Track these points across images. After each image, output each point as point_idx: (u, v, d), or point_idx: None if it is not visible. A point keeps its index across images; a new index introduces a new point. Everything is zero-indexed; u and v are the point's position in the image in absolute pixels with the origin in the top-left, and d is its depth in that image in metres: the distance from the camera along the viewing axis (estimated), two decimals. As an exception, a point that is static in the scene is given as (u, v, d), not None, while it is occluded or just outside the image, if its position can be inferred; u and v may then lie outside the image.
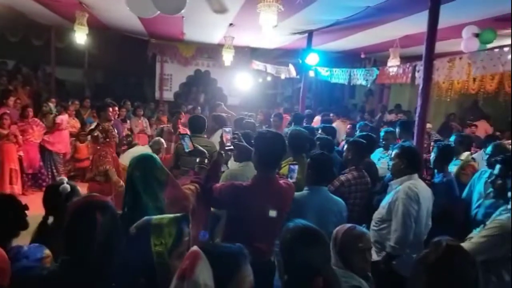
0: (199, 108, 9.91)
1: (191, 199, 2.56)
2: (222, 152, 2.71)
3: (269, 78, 12.54)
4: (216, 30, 7.78)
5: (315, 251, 1.62)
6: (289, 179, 2.76)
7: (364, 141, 3.67)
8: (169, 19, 6.21)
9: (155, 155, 2.36)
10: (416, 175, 3.03)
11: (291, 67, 8.45)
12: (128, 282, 1.45)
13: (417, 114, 3.80)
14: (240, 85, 10.62)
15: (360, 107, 13.28)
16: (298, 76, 8.72)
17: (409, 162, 3.01)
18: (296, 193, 2.80)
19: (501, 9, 4.54)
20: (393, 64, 5.96)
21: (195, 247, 1.23)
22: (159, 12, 4.16)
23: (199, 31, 8.17)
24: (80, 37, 6.63)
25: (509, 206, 2.05)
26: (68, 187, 2.27)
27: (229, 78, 11.11)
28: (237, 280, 1.21)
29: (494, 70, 2.96)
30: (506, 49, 2.84)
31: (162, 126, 6.99)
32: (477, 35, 4.17)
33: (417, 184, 2.95)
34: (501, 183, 2.38)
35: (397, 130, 4.82)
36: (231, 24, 6.80)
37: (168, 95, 11.69)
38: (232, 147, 2.77)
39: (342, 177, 3.42)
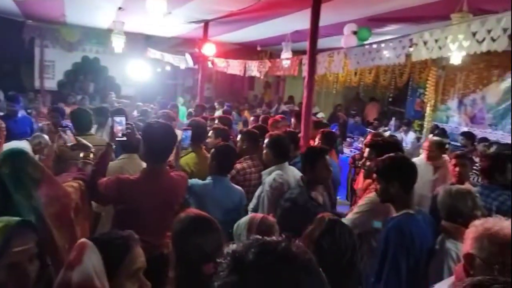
0: (87, 98, 9.15)
1: (73, 197, 2.37)
2: (113, 144, 2.56)
3: (168, 68, 12.14)
4: (103, 14, 7.24)
5: (207, 238, 1.65)
6: (182, 144, 2.76)
7: (257, 131, 3.80)
8: (47, -2, 5.58)
9: (26, 150, 2.12)
10: (285, 164, 3.18)
11: (187, 56, 8.31)
12: None
13: (303, 105, 4.06)
14: (135, 74, 10.08)
15: (259, 98, 13.75)
16: (196, 66, 8.63)
17: (278, 151, 3.16)
18: (199, 183, 2.84)
19: (375, 9, 5.08)
20: (285, 57, 6.25)
21: (82, 239, 1.28)
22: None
23: (84, 13, 7.51)
24: None
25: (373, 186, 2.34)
26: None
27: (122, 66, 10.45)
28: (129, 261, 1.26)
29: (366, 64, 3.31)
30: (374, 45, 3.20)
31: (41, 125, 6.23)
32: (355, 33, 4.61)
33: (284, 174, 3.07)
34: (369, 165, 2.70)
35: (292, 120, 5.10)
36: (120, 8, 6.39)
37: (51, 84, 10.56)
38: (125, 138, 2.64)
39: (238, 166, 3.50)
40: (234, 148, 3.30)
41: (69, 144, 2.81)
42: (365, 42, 4.69)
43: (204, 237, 1.64)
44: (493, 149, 5.34)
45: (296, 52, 6.94)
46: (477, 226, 1.60)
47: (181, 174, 2.60)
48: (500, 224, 1.56)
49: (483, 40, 2.42)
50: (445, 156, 4.11)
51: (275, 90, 13.06)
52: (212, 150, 3.10)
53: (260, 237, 0.85)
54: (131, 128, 2.74)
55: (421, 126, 8.67)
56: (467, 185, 2.96)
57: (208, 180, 2.91)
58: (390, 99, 11.01)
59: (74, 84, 11.11)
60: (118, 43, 7.37)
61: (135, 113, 7.31)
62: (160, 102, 8.87)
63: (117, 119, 2.63)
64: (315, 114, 8.97)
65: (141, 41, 10.23)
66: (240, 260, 0.79)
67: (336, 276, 1.67)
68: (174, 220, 1.77)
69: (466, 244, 1.62)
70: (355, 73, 7.95)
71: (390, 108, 11.64)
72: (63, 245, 2.00)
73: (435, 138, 4.56)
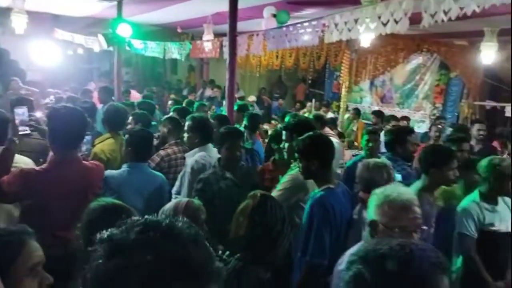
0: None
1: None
2: (15, 138, 2.31)
3: (80, 51, 11.21)
4: (0, -10, 6.43)
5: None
6: (83, 151, 2.60)
7: (177, 117, 3.71)
8: None
9: None
10: (209, 145, 3.13)
11: (100, 37, 7.74)
12: None
13: (226, 87, 4.05)
14: (41, 58, 9.15)
15: (185, 83, 13.41)
16: (111, 49, 8.09)
17: (201, 133, 3.10)
18: (114, 173, 2.68)
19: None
20: (206, 39, 6.14)
21: None
22: None
23: (-24, -11, 6.61)
24: None
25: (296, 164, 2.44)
26: None
27: (26, 49, 9.42)
28: (24, 256, 1.22)
29: (283, 46, 3.40)
30: (291, 28, 3.27)
31: None
32: (274, 16, 4.68)
33: (206, 155, 3.03)
34: (289, 146, 2.81)
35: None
36: (19, -16, 5.73)
37: None
38: (28, 131, 2.42)
39: (162, 152, 3.41)
40: (151, 133, 3.15)
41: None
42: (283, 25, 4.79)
43: (114, 225, 1.57)
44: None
45: (218, 35, 6.87)
46: (378, 194, 1.70)
47: (96, 163, 2.45)
48: (398, 190, 1.69)
49: (388, 22, 2.59)
50: (327, 129, 4.42)
51: (199, 74, 12.81)
52: (126, 135, 2.94)
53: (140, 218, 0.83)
54: (34, 119, 2.52)
55: (339, 107, 9.19)
56: (383, 159, 3.18)
57: (124, 168, 2.76)
58: (309, 82, 11.47)
59: (-32, 69, 9.80)
60: (19, 23, 6.63)
61: (47, 100, 6.71)
62: (73, 88, 8.20)
63: (19, 110, 2.40)
64: (242, 97, 9.06)
65: (47, 21, 9.28)
66: (119, 243, 0.76)
67: (266, 246, 1.77)
68: (84, 212, 1.69)
69: (370, 212, 1.70)
70: (277, 57, 8.09)
71: (311, 90, 12.14)
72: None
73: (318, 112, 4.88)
